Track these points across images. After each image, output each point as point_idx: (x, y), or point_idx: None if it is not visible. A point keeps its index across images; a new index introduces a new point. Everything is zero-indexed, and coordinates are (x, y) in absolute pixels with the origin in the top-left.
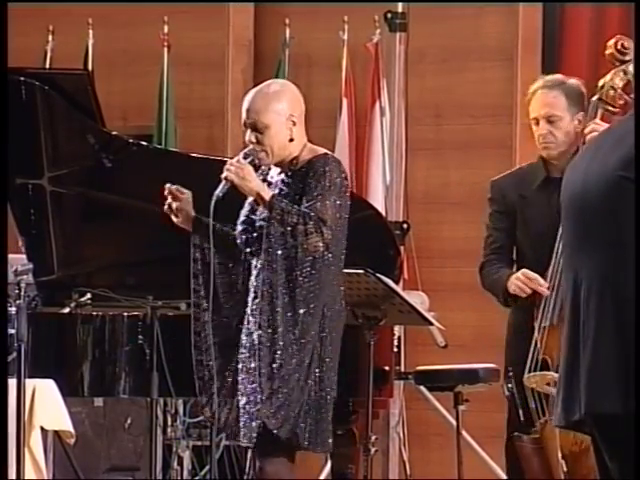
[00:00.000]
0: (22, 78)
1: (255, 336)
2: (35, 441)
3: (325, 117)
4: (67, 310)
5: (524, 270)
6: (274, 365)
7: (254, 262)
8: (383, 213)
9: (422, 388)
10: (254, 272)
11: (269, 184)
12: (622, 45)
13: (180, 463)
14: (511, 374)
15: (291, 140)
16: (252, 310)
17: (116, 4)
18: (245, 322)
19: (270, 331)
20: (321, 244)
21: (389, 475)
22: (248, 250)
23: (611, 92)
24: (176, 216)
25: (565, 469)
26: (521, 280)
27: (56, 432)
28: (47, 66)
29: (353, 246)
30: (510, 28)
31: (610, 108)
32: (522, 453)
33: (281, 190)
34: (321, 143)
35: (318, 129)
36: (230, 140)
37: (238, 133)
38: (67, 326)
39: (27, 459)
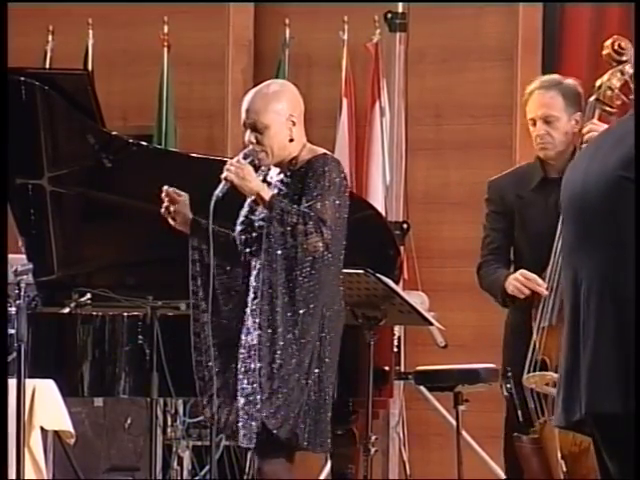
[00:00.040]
0: (22, 78)
1: (255, 336)
2: (35, 441)
3: (325, 117)
4: (67, 310)
5: (522, 271)
6: (274, 365)
7: (253, 262)
8: (383, 213)
9: (422, 388)
10: (253, 272)
11: (268, 184)
12: (619, 45)
13: (180, 463)
14: (510, 374)
15: (291, 140)
16: (252, 310)
17: (116, 4)
18: (245, 322)
19: (270, 331)
20: (321, 244)
21: (389, 475)
22: (247, 250)
23: (608, 92)
24: (173, 219)
25: (564, 469)
26: (520, 281)
27: (56, 432)
28: (47, 66)
29: (353, 246)
30: (510, 28)
31: (607, 108)
32: (521, 453)
33: (280, 190)
34: (321, 143)
35: (318, 129)
36: (230, 140)
37: (238, 133)
38: (67, 326)
39: (27, 459)
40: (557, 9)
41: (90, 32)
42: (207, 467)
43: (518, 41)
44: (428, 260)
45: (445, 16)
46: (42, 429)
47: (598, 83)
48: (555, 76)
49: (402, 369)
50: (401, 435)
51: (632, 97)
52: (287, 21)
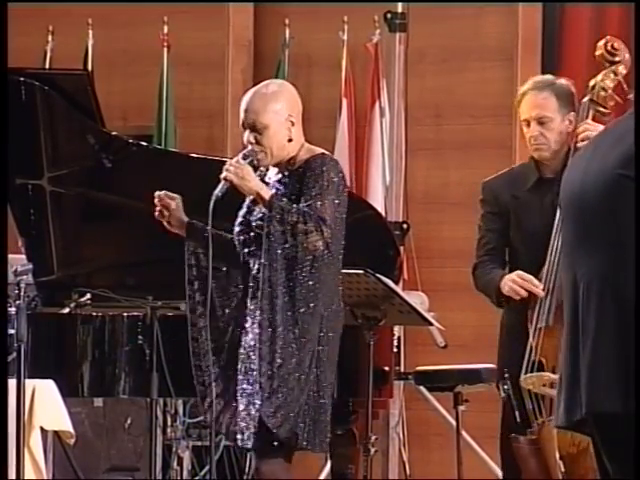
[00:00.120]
0: (22, 78)
1: (255, 335)
2: (35, 441)
3: (325, 117)
4: (67, 310)
5: (519, 272)
6: (274, 364)
7: (252, 263)
8: (383, 213)
9: (422, 388)
10: (252, 272)
11: (267, 185)
12: (612, 46)
13: (180, 463)
14: (507, 375)
15: (290, 140)
16: (252, 310)
17: (116, 4)
18: (244, 322)
19: (270, 330)
20: (321, 243)
21: (389, 475)
22: (246, 251)
23: (602, 93)
24: (169, 223)
25: (563, 470)
26: (516, 282)
27: (56, 432)
28: (47, 66)
29: (353, 246)
30: (510, 28)
31: (601, 109)
32: (519, 454)
33: (278, 190)
34: (321, 143)
35: (318, 129)
36: (230, 140)
37: (238, 133)
38: (67, 326)
39: (27, 459)
40: (557, 9)
41: (90, 32)
42: (207, 467)
43: (518, 41)
44: (428, 260)
45: (445, 16)
46: (42, 429)
47: (592, 83)
48: (548, 76)
49: (402, 369)
50: (401, 435)
51: (630, 96)
52: (287, 21)
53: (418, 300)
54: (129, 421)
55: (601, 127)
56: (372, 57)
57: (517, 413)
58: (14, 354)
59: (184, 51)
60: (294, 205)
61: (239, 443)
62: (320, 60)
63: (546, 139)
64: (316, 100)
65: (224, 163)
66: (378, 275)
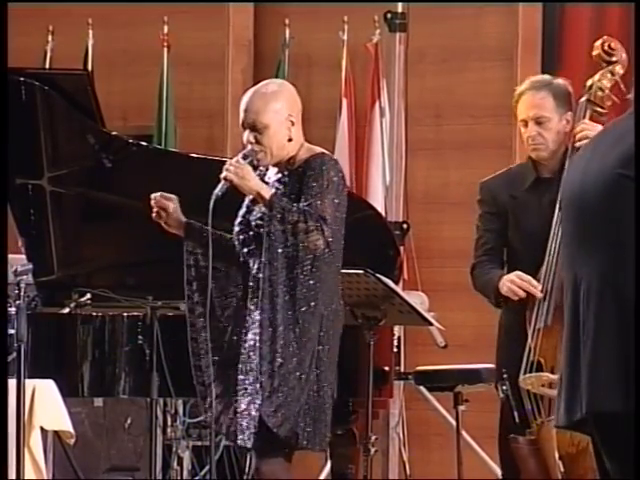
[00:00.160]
0: (22, 78)
1: (255, 335)
2: (35, 441)
3: (325, 117)
4: (67, 310)
5: (517, 272)
6: (274, 363)
7: (251, 262)
8: (383, 213)
9: (422, 388)
10: (252, 272)
11: (267, 184)
12: (609, 46)
13: (180, 463)
14: (505, 376)
15: (289, 140)
16: (252, 310)
17: (116, 4)
18: (244, 322)
19: (270, 329)
20: (322, 242)
21: (389, 475)
22: (245, 250)
23: (599, 93)
24: (166, 224)
25: (562, 470)
26: (515, 283)
27: (56, 432)
28: (47, 66)
29: (353, 246)
30: (510, 28)
31: (598, 109)
32: (518, 454)
33: (278, 189)
34: (321, 143)
35: (318, 129)
36: (230, 140)
37: (238, 133)
38: (67, 326)
39: (27, 459)
40: (557, 9)
41: (90, 32)
42: (207, 467)
43: (518, 41)
44: (428, 260)
45: (445, 16)
46: (42, 429)
47: (589, 83)
48: (545, 76)
49: (402, 369)
50: (401, 435)
51: (629, 96)
52: (287, 21)
53: (418, 300)
54: (129, 421)
55: (599, 126)
56: (372, 57)
57: (516, 413)
58: (14, 354)
59: (184, 51)
60: (295, 204)
61: (239, 443)
62: (320, 60)
63: (544, 139)
64: (316, 100)
65: (224, 163)
66: (378, 275)
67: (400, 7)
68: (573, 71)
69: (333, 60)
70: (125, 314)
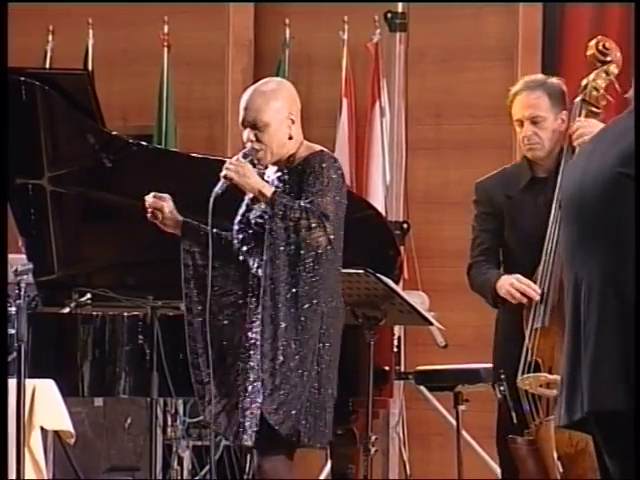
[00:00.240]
0: (22, 78)
1: (255, 334)
2: (35, 441)
3: (325, 117)
4: (67, 310)
5: (517, 276)
6: (276, 361)
7: (251, 261)
8: (383, 213)
9: (422, 388)
10: (252, 270)
11: (266, 183)
12: (603, 46)
13: (180, 463)
14: (503, 376)
15: (290, 138)
16: (252, 308)
17: (116, 4)
18: (243, 321)
19: (272, 327)
20: (324, 239)
21: (389, 475)
22: (245, 249)
23: (594, 93)
24: (163, 224)
25: (561, 470)
26: (514, 286)
27: (56, 432)
28: (47, 66)
29: (353, 246)
30: (510, 28)
31: (593, 109)
32: (517, 455)
33: (277, 187)
34: (321, 143)
35: (318, 129)
36: (230, 140)
37: (238, 133)
38: (67, 326)
39: (27, 459)
40: (557, 9)
41: (90, 32)
42: (207, 467)
43: (518, 41)
44: (428, 260)
45: (445, 16)
46: (42, 429)
47: (584, 83)
48: (539, 76)
49: (402, 369)
50: (401, 435)
51: (627, 95)
52: (287, 21)
53: (418, 300)
54: (129, 421)
55: (593, 121)
56: (372, 57)
57: (513, 414)
58: (14, 354)
59: (184, 51)
60: (296, 201)
61: (240, 442)
62: (320, 60)
63: (540, 139)
64: (316, 100)
65: (224, 163)
66: (378, 275)
67: (400, 7)
68: (573, 71)
69: (333, 60)
70: (125, 314)
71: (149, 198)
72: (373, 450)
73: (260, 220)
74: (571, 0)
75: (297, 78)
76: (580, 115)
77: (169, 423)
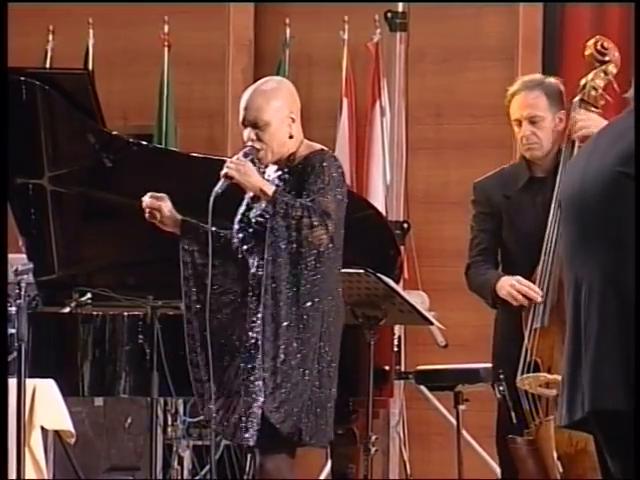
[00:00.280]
0: (22, 78)
1: (256, 333)
2: (35, 441)
3: (325, 117)
4: (67, 310)
5: (518, 278)
6: (277, 360)
7: (251, 260)
8: (383, 213)
9: (422, 388)
10: (252, 270)
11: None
12: (602, 45)
13: (180, 463)
14: (502, 376)
15: (290, 137)
16: (252, 307)
17: (116, 4)
18: (242, 320)
19: (274, 325)
20: (326, 237)
21: (389, 475)
22: (245, 248)
23: (593, 92)
24: (162, 223)
25: (561, 470)
26: (515, 288)
27: (56, 432)
28: (47, 66)
29: (353, 246)
30: (510, 28)
31: (592, 109)
32: (517, 455)
33: (278, 186)
34: (321, 143)
35: (318, 129)
36: (230, 140)
37: (238, 133)
38: (67, 326)
39: (27, 459)
40: (557, 9)
41: (90, 32)
42: (207, 466)
43: (518, 41)
44: (428, 259)
45: (445, 16)
46: (42, 429)
47: (582, 83)
48: (536, 76)
49: (402, 369)
50: (401, 435)
51: (627, 95)
52: (287, 21)
53: (419, 299)
54: (129, 420)
55: (594, 116)
56: (373, 57)
57: (513, 414)
58: (15, 353)
59: (184, 51)
60: (298, 200)
61: (241, 441)
62: (321, 60)
63: (538, 138)
64: (317, 100)
65: (224, 163)
66: (379, 274)
67: (401, 7)
68: (573, 71)
69: (334, 60)
70: (125, 313)
71: (146, 199)
72: (373, 450)
73: (261, 219)
74: (571, 0)
75: (297, 78)
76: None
77: (169, 423)
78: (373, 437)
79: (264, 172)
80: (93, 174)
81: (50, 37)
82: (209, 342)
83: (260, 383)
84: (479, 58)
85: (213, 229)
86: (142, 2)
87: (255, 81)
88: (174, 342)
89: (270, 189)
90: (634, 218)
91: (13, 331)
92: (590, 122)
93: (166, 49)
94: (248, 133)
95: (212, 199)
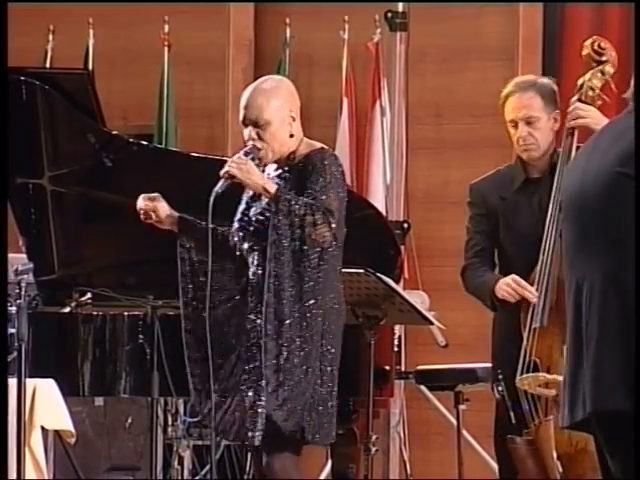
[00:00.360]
0: (22, 78)
1: (257, 332)
2: (35, 441)
3: (325, 117)
4: (68, 310)
5: (514, 277)
6: (280, 358)
7: (251, 259)
8: (383, 212)
9: (423, 387)
10: (252, 268)
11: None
12: (599, 45)
13: (181, 462)
14: (501, 376)
15: (291, 136)
16: (252, 306)
17: (116, 4)
18: (242, 318)
19: (276, 323)
20: (329, 234)
21: (389, 475)
22: (245, 246)
23: (590, 93)
24: (159, 222)
25: (560, 470)
26: (511, 286)
27: (56, 432)
28: (47, 66)
29: (354, 245)
30: (510, 28)
31: None
32: (516, 455)
33: (278, 185)
34: (321, 142)
35: (318, 129)
36: (231, 140)
37: (239, 132)
38: (68, 326)
39: (27, 459)
40: (557, 9)
41: (90, 32)
42: (208, 466)
43: (518, 41)
44: (429, 259)
45: (445, 16)
46: (43, 428)
47: (579, 82)
48: (530, 76)
49: (403, 368)
50: (402, 434)
51: (626, 95)
52: (287, 21)
53: (419, 299)
54: (130, 420)
55: (594, 110)
56: (373, 56)
57: (512, 414)
58: (15, 353)
59: (185, 50)
60: (300, 198)
61: (245, 441)
62: (321, 59)
63: (535, 139)
64: (317, 99)
65: (225, 163)
66: (379, 274)
67: (401, 6)
68: (573, 71)
69: (334, 59)
70: (126, 313)
71: (140, 201)
72: (374, 450)
73: (261, 217)
74: (571, 0)
75: (297, 78)
76: None
77: (170, 422)
78: (373, 437)
79: (264, 171)
80: (93, 174)
81: (50, 37)
82: (209, 341)
83: (263, 382)
84: (479, 58)
85: (216, 228)
86: (142, 2)
87: (255, 81)
88: (174, 342)
89: (273, 187)
90: (634, 218)
91: (13, 331)
92: (589, 114)
93: (166, 49)
94: (249, 132)
95: (212, 199)
